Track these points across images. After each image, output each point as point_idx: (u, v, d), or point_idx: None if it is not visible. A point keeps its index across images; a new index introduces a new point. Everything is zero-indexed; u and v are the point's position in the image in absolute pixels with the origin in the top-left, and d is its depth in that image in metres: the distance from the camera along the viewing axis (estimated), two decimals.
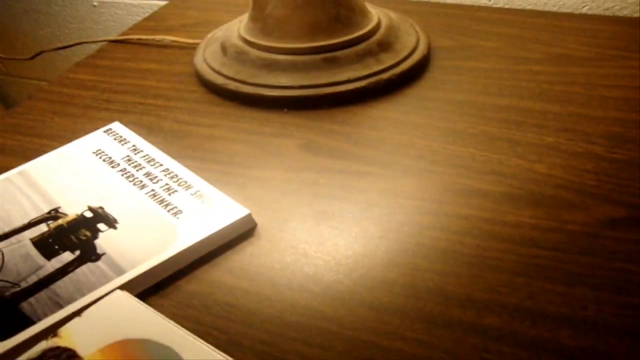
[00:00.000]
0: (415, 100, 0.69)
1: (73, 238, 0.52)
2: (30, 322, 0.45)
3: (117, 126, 0.67)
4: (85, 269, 0.49)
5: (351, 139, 0.63)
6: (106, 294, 0.46)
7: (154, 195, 0.56)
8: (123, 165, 0.60)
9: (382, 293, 0.47)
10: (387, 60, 0.72)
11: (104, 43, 0.91)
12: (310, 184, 0.58)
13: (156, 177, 0.58)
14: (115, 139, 0.65)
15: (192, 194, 0.56)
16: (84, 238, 0.52)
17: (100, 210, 0.55)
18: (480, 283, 0.46)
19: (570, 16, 0.84)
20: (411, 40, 0.76)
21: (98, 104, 0.74)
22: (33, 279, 0.49)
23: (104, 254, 0.50)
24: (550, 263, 0.47)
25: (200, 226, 0.52)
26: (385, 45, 0.73)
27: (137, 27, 0.95)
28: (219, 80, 0.73)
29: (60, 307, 0.46)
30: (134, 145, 0.63)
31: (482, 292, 0.46)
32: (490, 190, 0.55)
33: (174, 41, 0.86)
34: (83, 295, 0.47)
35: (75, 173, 0.60)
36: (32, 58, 0.99)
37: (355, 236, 0.52)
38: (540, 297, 0.45)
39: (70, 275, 0.49)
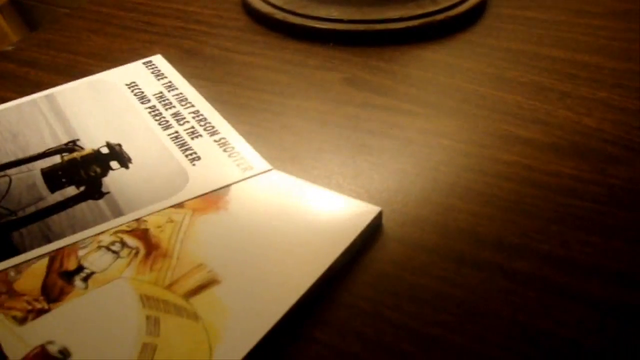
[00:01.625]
0: (467, 45, 0.70)
1: (82, 173, 0.53)
2: (15, 252, 0.46)
3: (158, 59, 0.68)
4: (85, 205, 0.50)
5: (397, 77, 0.65)
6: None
7: (177, 137, 0.56)
8: (153, 102, 0.60)
9: (412, 229, 0.48)
10: (443, 1, 0.73)
11: None
12: (351, 118, 0.60)
13: (184, 118, 0.58)
14: (152, 72, 0.65)
15: (215, 141, 0.55)
16: (93, 174, 0.52)
17: (117, 148, 0.55)
18: (513, 228, 0.48)
19: None
20: None
21: (137, 25, 0.77)
22: (31, 209, 0.50)
23: (108, 192, 0.51)
24: (587, 214, 0.49)
25: (212, 178, 0.52)
26: None
27: None
28: (266, 8, 0.74)
29: (49, 241, 0.47)
30: (170, 82, 0.63)
31: (514, 236, 0.47)
32: (534, 139, 0.56)
33: None
34: (74, 232, 0.47)
35: (102, 105, 0.60)
36: None
37: (391, 172, 0.54)
38: (573, 246, 0.46)
39: (68, 210, 0.49)
